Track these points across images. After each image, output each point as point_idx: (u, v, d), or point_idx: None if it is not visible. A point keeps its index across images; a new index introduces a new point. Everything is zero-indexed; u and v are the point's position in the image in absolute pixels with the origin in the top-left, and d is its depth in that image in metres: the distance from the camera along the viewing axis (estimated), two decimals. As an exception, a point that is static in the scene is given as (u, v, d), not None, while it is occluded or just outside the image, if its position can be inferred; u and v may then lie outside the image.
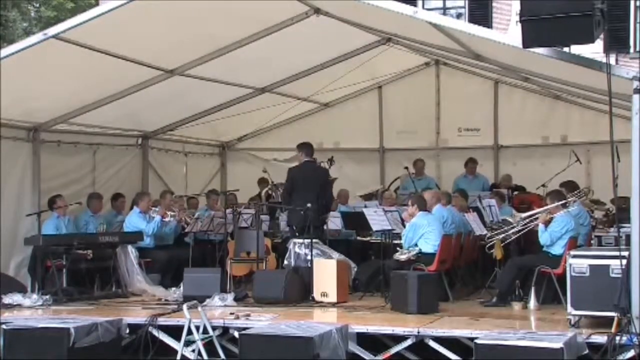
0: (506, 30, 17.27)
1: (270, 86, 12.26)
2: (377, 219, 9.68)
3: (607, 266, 7.05)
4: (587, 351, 6.68)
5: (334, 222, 11.07)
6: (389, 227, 9.61)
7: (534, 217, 8.93)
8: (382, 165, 14.46)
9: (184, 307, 7.30)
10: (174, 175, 13.29)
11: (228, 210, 10.82)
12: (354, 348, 7.28)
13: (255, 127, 14.25)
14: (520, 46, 6.81)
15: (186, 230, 10.93)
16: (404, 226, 9.58)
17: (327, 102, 14.32)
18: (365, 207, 10.83)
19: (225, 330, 7.71)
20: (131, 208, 11.22)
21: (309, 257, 9.40)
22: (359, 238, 11.20)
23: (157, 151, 12.96)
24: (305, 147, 10.40)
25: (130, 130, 12.36)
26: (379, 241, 10.14)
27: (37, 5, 27.67)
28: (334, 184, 13.07)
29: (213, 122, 12.76)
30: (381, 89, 14.23)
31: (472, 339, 6.71)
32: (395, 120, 14.19)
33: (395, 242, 9.65)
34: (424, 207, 9.43)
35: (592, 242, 9.51)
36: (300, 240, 9.67)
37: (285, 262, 9.70)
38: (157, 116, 12.09)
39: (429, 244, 9.15)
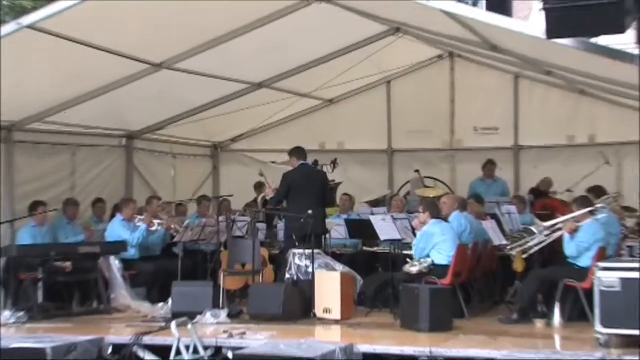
0: (527, 19, 17.28)
1: (267, 81, 12.26)
2: (385, 227, 9.67)
3: (640, 279, 7.02)
4: (617, 374, 6.65)
5: (338, 230, 11.06)
6: (398, 236, 9.60)
7: (558, 225, 8.90)
8: (390, 168, 14.49)
9: (172, 324, 7.28)
10: (161, 179, 13.31)
11: (221, 218, 10.83)
12: (360, 369, 7.26)
13: (251, 126, 14.26)
14: (543, 36, 6.80)
15: (175, 240, 10.93)
16: (415, 235, 9.57)
17: (330, 99, 14.34)
18: (372, 214, 10.80)
19: (218, 350, 7.68)
20: (113, 215, 11.22)
21: (310, 269, 9.38)
22: (365, 248, 11.20)
23: (142, 152, 12.98)
24: (297, 151, 10.46)
25: (113, 130, 12.37)
26: (387, 252, 10.12)
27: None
28: (338, 189, 13.13)
29: (204, 120, 12.76)
30: (389, 84, 14.26)
31: (490, 360, 6.69)
32: (405, 118, 14.21)
33: (405, 252, 9.64)
34: (436, 213, 9.42)
35: (622, 252, 9.49)
36: (301, 251, 9.65)
37: (287, 275, 9.67)
38: (142, 114, 12.10)
39: (442, 254, 9.14)
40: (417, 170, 13.39)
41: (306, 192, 10.06)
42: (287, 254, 9.96)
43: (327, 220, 10.96)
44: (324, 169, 11.91)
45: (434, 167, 14.03)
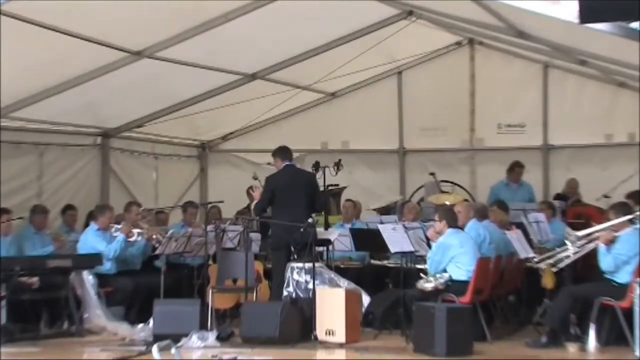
0: (558, 2, 17.28)
1: (262, 72, 12.29)
2: (396, 237, 9.65)
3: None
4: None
5: (342, 242, 11.05)
6: (411, 248, 9.59)
7: (594, 235, 8.89)
8: (402, 170, 14.52)
9: (154, 348, 7.25)
10: (142, 183, 13.33)
11: (209, 227, 10.81)
12: (367, 400, 7.28)
13: (243, 123, 14.29)
14: (577, 21, 6.80)
15: (157, 252, 10.90)
16: (430, 247, 9.56)
17: (334, 92, 14.36)
18: (381, 223, 10.81)
19: (206, 377, 7.70)
20: (86, 224, 11.21)
21: (310, 286, 9.38)
22: (373, 262, 11.21)
23: (120, 153, 12.99)
24: (280, 151, 10.45)
25: (87, 127, 12.37)
26: (398, 266, 10.11)
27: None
28: (342, 194, 13.12)
29: (191, 116, 12.80)
30: (401, 75, 14.29)
31: (515, 390, 6.69)
32: (418, 114, 14.24)
33: (419, 266, 9.64)
34: (454, 222, 9.42)
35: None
36: (300, 265, 9.64)
37: (284, 292, 9.67)
38: (120, 109, 12.10)
39: (462, 269, 9.13)
40: (432, 174, 13.40)
41: (293, 196, 10.05)
42: (276, 268, 9.99)
43: (329, 230, 10.96)
44: (327, 172, 11.93)
45: (452, 170, 14.06)
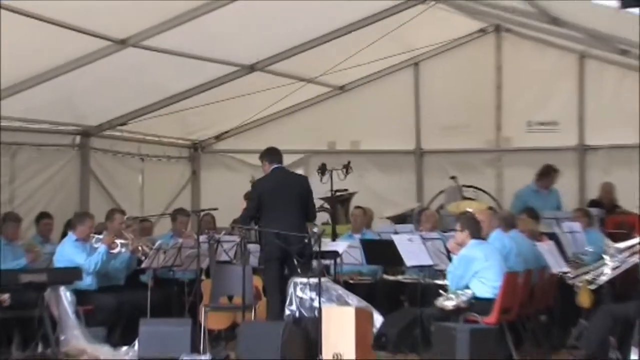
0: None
1: (261, 63, 12.33)
2: (413, 249, 9.68)
3: None
4: None
5: (352, 254, 11.08)
6: (429, 262, 9.61)
7: (636, 248, 8.89)
8: (419, 174, 14.59)
9: (140, 373, 7.30)
10: (126, 188, 13.38)
11: (202, 237, 10.82)
12: None
13: (241, 120, 14.35)
14: (617, 6, 6.84)
15: (143, 266, 10.93)
16: (451, 260, 9.59)
17: (342, 86, 14.40)
18: (396, 233, 10.86)
19: (198, 406, 7.73)
20: (64, 234, 11.25)
21: (315, 304, 9.41)
22: (386, 277, 11.24)
23: (102, 154, 13.04)
24: (268, 154, 10.46)
25: (65, 125, 12.42)
26: (414, 281, 10.13)
27: None
28: (351, 201, 13.13)
29: (181, 113, 12.86)
30: (418, 67, 14.36)
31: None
32: (438, 110, 14.31)
33: (438, 282, 9.66)
34: (478, 232, 9.42)
35: None
36: (304, 280, 9.67)
37: (287, 311, 9.70)
38: (102, 104, 12.13)
39: (486, 285, 9.13)
40: (453, 177, 13.39)
41: (283, 203, 10.06)
42: (269, 282, 10.05)
43: (337, 242, 10.99)
44: (335, 176, 11.96)
45: (476, 173, 14.12)
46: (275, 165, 10.34)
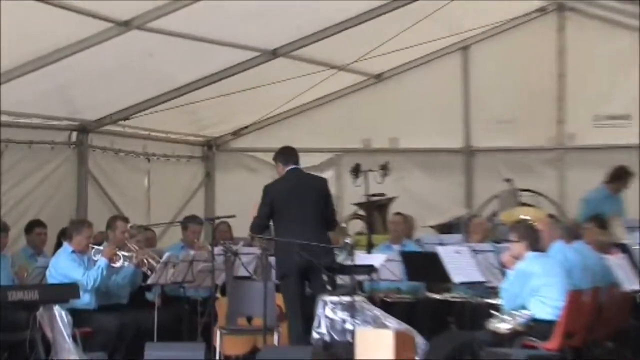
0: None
1: (286, 47, 12.31)
2: (461, 263, 9.67)
3: None
4: None
5: (389, 268, 11.01)
6: (480, 278, 9.58)
7: None
8: (468, 176, 14.58)
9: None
10: (130, 192, 13.40)
11: (217, 249, 10.80)
12: None
13: (261, 114, 14.36)
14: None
15: (149, 282, 10.93)
16: (505, 275, 9.49)
17: (379, 74, 14.37)
18: (441, 244, 10.81)
19: None
20: (58, 245, 11.24)
21: (348, 326, 9.35)
22: (430, 295, 11.20)
23: (101, 153, 13.06)
24: (282, 154, 10.44)
25: (59, 119, 12.45)
26: (463, 300, 10.11)
27: None
28: (390, 207, 13.06)
29: (193, 105, 12.86)
30: (467, 52, 14.34)
31: None
32: (489, 101, 14.28)
33: (491, 301, 9.61)
34: (536, 244, 9.34)
35: None
36: (336, 299, 9.62)
37: (315, 334, 9.66)
38: (102, 96, 12.13)
39: (547, 304, 9.04)
40: (508, 180, 13.31)
41: (298, 209, 10.05)
42: (288, 301, 10.03)
43: (373, 254, 10.92)
44: (370, 178, 11.89)
45: (534, 175, 14.08)
46: (291, 167, 10.31)
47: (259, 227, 10.31)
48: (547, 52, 13.90)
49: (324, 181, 10.67)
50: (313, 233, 9.80)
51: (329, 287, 9.90)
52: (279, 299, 10.65)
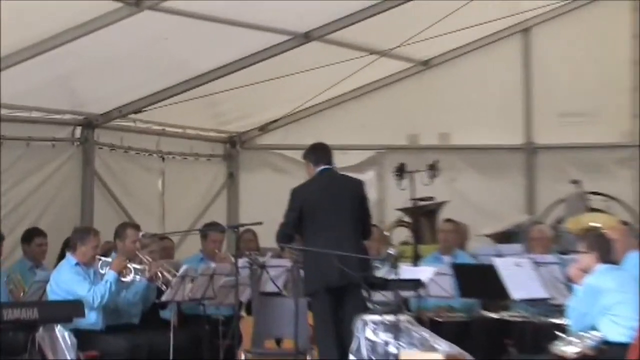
0: None
1: (320, 30, 12.32)
2: (521, 277, 9.65)
3: None
4: None
5: (439, 283, 10.97)
6: (544, 294, 9.54)
7: None
8: (530, 177, 14.57)
9: None
10: (142, 195, 13.47)
11: (241, 261, 10.82)
12: None
13: (292, 107, 14.41)
14: None
15: (164, 299, 10.95)
16: (572, 291, 9.42)
17: (426, 60, 14.37)
18: (499, 255, 10.75)
19: None
20: (61, 256, 11.27)
21: (391, 349, 9.32)
22: (485, 313, 11.19)
23: (109, 151, 13.12)
24: (315, 153, 10.46)
25: (62, 113, 12.50)
26: (524, 320, 10.08)
27: None
28: (439, 212, 13.03)
29: (214, 97, 12.91)
30: (528, 35, 14.35)
31: None
32: (554, 92, 14.26)
33: (556, 321, 9.58)
34: (608, 255, 9.27)
35: None
36: (378, 318, 9.61)
37: (352, 357, 9.65)
38: (110, 86, 12.19)
39: (620, 324, 8.96)
40: (576, 182, 13.25)
41: (330, 215, 10.07)
42: (319, 323, 10.03)
43: (420, 267, 10.90)
44: (417, 179, 11.86)
45: (607, 176, 14.05)
46: (322, 167, 10.31)
47: (285, 235, 10.36)
48: (620, 35, 13.87)
49: (359, 183, 10.64)
50: (347, 242, 9.82)
51: (369, 305, 9.91)
52: (312, 318, 10.67)
